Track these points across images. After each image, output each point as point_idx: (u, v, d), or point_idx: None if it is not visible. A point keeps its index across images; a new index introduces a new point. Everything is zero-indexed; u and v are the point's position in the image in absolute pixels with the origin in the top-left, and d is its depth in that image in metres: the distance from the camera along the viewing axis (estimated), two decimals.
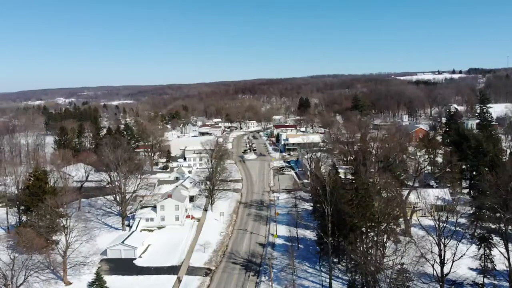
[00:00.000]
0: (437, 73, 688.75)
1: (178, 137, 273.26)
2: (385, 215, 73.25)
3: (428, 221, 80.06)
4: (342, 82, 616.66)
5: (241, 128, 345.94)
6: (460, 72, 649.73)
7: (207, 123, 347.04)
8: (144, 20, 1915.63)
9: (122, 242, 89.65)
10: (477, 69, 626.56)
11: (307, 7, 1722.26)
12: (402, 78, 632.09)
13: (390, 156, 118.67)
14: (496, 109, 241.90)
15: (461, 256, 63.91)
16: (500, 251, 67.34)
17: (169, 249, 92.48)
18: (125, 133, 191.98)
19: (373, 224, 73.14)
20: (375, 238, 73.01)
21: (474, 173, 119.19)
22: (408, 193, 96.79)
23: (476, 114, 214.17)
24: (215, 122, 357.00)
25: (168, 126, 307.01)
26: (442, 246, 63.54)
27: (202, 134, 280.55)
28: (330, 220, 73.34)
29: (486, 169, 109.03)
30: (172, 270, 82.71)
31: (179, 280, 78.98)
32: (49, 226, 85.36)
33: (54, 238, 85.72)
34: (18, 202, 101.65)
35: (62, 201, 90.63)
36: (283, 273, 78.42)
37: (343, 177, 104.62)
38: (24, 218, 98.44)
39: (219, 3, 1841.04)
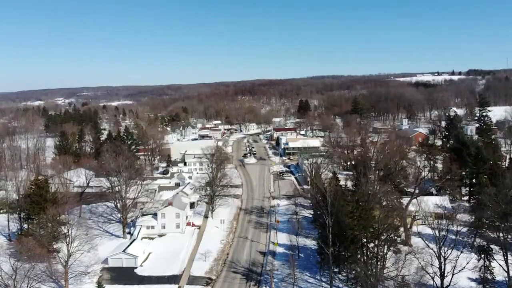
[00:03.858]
0: (436, 74, 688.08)
1: (178, 140, 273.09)
2: (385, 225, 73.66)
3: (428, 230, 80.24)
4: (342, 83, 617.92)
5: (241, 131, 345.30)
6: (460, 73, 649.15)
7: (207, 126, 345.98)
8: (143, 20, 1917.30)
9: (123, 250, 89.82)
10: (477, 70, 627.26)
11: (307, 7, 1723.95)
12: (401, 79, 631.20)
13: (390, 164, 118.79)
14: (496, 113, 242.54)
15: (461, 270, 64.38)
16: (499, 264, 67.84)
17: (170, 257, 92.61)
18: (125, 137, 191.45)
19: (373, 234, 73.52)
20: (376, 250, 73.38)
21: (473, 180, 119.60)
22: (408, 202, 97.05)
23: (476, 118, 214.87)
24: (215, 124, 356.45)
25: (168, 128, 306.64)
26: (442, 259, 64.02)
27: (202, 137, 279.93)
28: (330, 231, 73.55)
29: (485, 177, 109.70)
30: (173, 279, 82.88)
31: None
32: (50, 235, 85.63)
33: (55, 246, 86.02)
34: (19, 209, 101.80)
35: (63, 209, 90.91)
36: (284, 283, 78.75)
37: (343, 183, 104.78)
38: (25, 225, 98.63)
39: (219, 3, 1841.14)
